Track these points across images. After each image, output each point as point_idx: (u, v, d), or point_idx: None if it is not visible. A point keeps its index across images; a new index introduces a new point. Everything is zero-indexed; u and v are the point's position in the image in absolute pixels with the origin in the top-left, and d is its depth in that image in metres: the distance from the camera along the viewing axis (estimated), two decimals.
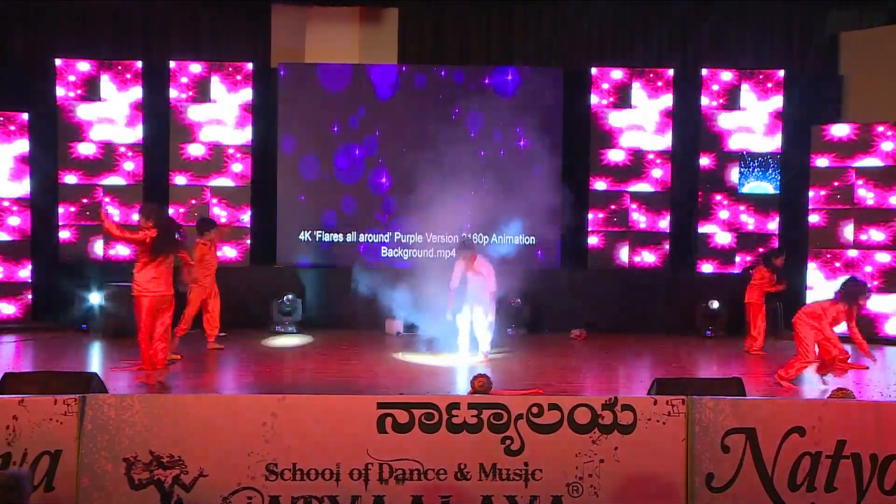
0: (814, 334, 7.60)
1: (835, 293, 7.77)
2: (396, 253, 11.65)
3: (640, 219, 11.81)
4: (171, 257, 7.40)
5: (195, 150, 11.59)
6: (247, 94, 11.64)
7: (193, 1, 11.82)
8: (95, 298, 10.59)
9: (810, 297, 11.28)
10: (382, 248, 11.67)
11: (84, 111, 11.45)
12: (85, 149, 11.45)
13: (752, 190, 11.81)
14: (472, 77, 11.60)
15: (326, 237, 11.69)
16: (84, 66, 11.44)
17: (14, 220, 11.00)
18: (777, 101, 11.76)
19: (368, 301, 10.47)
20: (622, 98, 11.80)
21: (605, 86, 11.79)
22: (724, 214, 11.84)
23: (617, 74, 11.80)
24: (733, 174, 11.80)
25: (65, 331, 10.61)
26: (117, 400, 5.01)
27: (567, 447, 5.04)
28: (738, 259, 11.76)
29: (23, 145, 11.04)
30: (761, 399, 5.92)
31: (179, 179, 11.59)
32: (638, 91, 11.77)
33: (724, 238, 11.85)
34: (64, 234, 11.43)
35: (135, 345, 8.93)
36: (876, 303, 10.39)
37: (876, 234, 10.93)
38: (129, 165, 11.51)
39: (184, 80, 11.57)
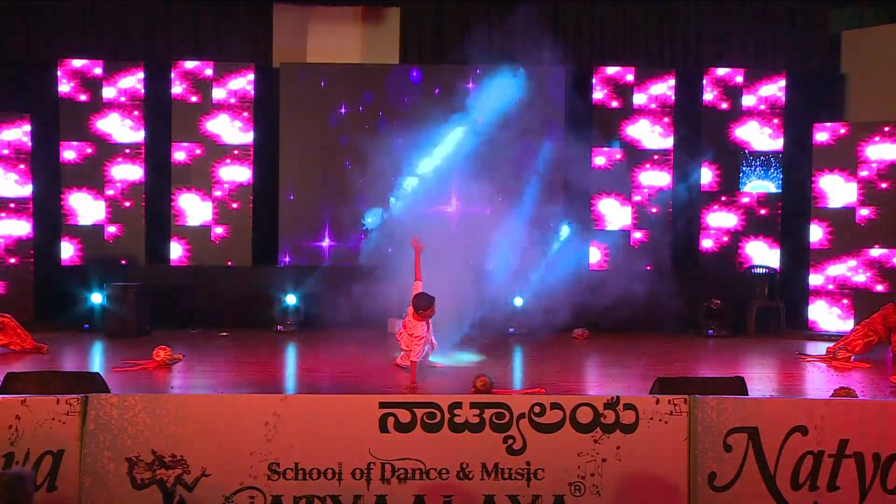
0: None
1: None
2: (398, 252, 11.62)
3: (641, 217, 11.81)
4: None
5: (197, 149, 11.60)
6: (248, 94, 11.65)
7: (195, 1, 11.82)
8: (97, 298, 10.61)
9: (812, 297, 11.29)
10: (384, 247, 11.64)
11: (85, 111, 11.46)
12: (86, 149, 11.46)
13: (754, 189, 11.81)
14: (474, 76, 11.60)
15: (328, 236, 11.69)
16: (85, 65, 11.45)
17: (16, 220, 11.00)
18: (778, 100, 11.77)
19: (370, 300, 10.46)
20: (624, 98, 11.81)
21: (607, 85, 11.81)
22: (725, 213, 11.85)
23: (619, 74, 11.82)
24: (735, 173, 11.81)
25: (66, 330, 10.63)
26: (119, 400, 5.02)
27: (569, 446, 5.05)
28: (738, 258, 11.79)
29: (24, 144, 11.05)
30: (763, 398, 5.92)
31: (181, 179, 11.60)
32: (640, 90, 11.78)
33: (725, 237, 11.86)
34: (65, 234, 11.45)
35: (137, 344, 8.96)
36: None
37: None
38: (130, 165, 11.52)
39: (185, 79, 11.58)
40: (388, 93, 11.65)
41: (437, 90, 11.55)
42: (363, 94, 11.67)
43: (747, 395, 5.74)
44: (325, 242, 11.70)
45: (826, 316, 11.17)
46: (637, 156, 11.82)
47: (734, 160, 11.84)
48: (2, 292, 10.89)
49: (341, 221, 11.65)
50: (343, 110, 11.66)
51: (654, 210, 11.80)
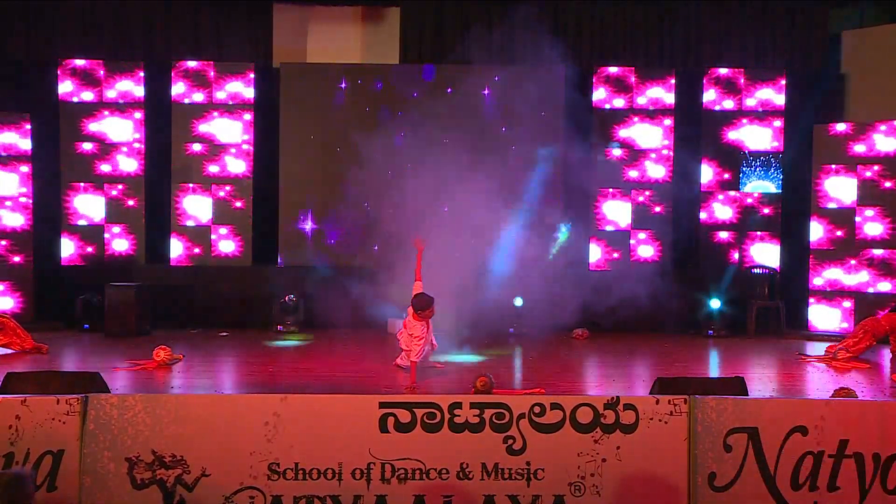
0: None
1: None
2: (399, 251, 11.60)
3: (642, 218, 11.82)
4: None
5: (197, 149, 11.60)
6: (249, 93, 11.65)
7: (195, 1, 11.82)
8: (97, 298, 10.60)
9: (813, 298, 11.28)
10: (376, 246, 11.61)
11: (85, 111, 11.46)
12: (87, 148, 11.46)
13: (754, 189, 11.82)
14: (474, 76, 11.59)
15: (328, 236, 11.69)
16: (86, 65, 11.45)
17: (16, 220, 11.00)
18: (779, 100, 11.78)
19: (371, 300, 10.47)
20: (624, 97, 11.81)
21: (607, 85, 11.82)
22: (725, 213, 11.85)
23: (619, 74, 11.82)
24: (735, 173, 11.82)
25: (66, 330, 10.63)
26: (119, 400, 5.03)
27: (569, 446, 5.05)
28: (738, 258, 11.80)
29: (25, 145, 11.05)
30: (763, 398, 5.92)
31: (181, 179, 11.60)
32: (640, 90, 11.78)
33: (725, 237, 11.86)
34: (65, 234, 11.45)
35: (137, 344, 8.94)
36: None
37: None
38: (131, 165, 11.52)
39: (185, 79, 11.58)
40: (388, 91, 11.63)
41: (437, 89, 11.54)
42: (368, 91, 11.66)
43: (747, 395, 5.75)
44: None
45: (826, 316, 11.16)
46: (637, 156, 11.83)
47: (734, 160, 11.84)
48: (2, 292, 10.90)
49: (341, 220, 11.63)
50: (343, 99, 11.66)
51: (654, 210, 11.80)
